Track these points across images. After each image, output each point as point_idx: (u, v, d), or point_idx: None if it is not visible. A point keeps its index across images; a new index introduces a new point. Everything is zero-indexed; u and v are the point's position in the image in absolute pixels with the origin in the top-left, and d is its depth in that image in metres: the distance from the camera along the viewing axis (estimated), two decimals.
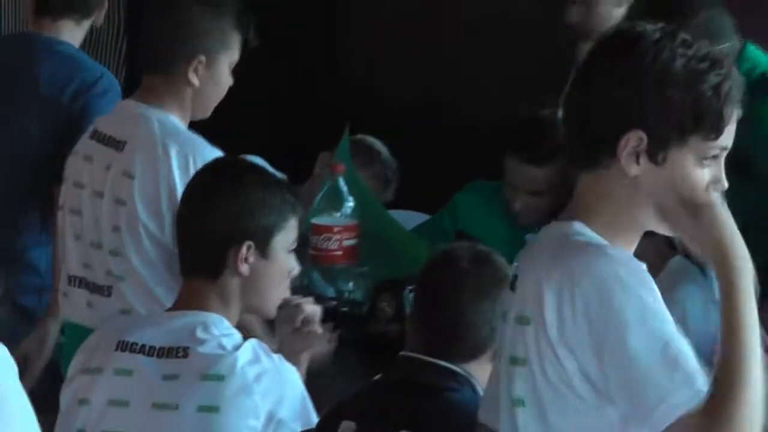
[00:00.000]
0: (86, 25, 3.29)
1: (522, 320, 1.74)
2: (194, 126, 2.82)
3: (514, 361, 1.76)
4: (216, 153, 2.67)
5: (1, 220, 3.30)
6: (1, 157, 3.29)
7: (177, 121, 2.66)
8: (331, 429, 2.16)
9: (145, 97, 2.70)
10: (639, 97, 1.70)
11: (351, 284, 3.17)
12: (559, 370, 1.71)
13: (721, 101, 1.67)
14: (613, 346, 1.67)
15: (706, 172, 1.74)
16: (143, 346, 2.21)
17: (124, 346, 2.22)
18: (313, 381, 2.37)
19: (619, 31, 1.81)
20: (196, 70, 2.62)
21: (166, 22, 2.72)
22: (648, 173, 1.71)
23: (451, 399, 2.10)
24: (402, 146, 3.76)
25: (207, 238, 2.31)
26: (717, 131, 1.70)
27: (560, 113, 2.11)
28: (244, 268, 2.28)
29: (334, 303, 3.09)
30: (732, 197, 2.65)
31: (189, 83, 2.65)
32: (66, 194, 2.78)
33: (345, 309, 3.09)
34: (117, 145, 2.67)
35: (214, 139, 2.79)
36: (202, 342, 2.19)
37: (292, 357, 2.37)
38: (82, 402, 2.24)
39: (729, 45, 2.98)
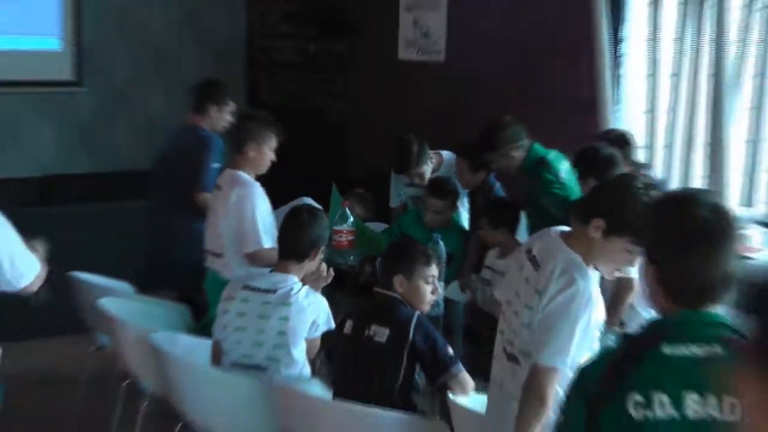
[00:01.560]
0: (210, 112, 4.62)
1: (538, 291, 2.25)
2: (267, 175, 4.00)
3: (528, 307, 2.28)
4: (256, 189, 3.78)
5: (173, 215, 4.58)
6: (169, 187, 4.68)
7: (246, 175, 3.92)
8: (342, 324, 3.07)
9: (235, 166, 3.98)
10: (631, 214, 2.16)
11: (351, 258, 4.22)
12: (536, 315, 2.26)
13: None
14: (553, 313, 2.21)
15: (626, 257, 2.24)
16: (254, 287, 3.16)
17: (246, 287, 3.17)
18: (332, 304, 3.19)
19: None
20: (252, 150, 3.92)
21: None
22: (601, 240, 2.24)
23: (395, 310, 2.97)
24: (379, 192, 4.89)
25: (304, 243, 3.22)
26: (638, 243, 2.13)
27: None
28: (315, 259, 3.31)
29: (343, 266, 4.13)
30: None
31: (255, 157, 3.88)
32: (209, 213, 4.07)
33: (347, 269, 4.15)
34: (219, 188, 4.02)
35: (275, 183, 3.93)
36: (283, 287, 3.15)
37: (315, 287, 3.20)
38: (224, 312, 3.21)
39: (524, 143, 3.90)
